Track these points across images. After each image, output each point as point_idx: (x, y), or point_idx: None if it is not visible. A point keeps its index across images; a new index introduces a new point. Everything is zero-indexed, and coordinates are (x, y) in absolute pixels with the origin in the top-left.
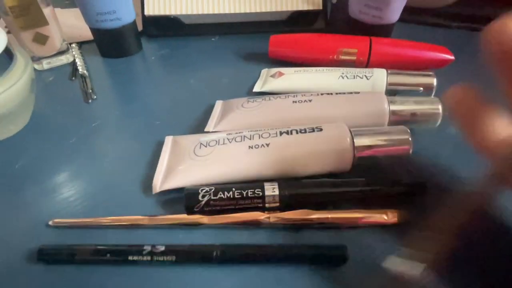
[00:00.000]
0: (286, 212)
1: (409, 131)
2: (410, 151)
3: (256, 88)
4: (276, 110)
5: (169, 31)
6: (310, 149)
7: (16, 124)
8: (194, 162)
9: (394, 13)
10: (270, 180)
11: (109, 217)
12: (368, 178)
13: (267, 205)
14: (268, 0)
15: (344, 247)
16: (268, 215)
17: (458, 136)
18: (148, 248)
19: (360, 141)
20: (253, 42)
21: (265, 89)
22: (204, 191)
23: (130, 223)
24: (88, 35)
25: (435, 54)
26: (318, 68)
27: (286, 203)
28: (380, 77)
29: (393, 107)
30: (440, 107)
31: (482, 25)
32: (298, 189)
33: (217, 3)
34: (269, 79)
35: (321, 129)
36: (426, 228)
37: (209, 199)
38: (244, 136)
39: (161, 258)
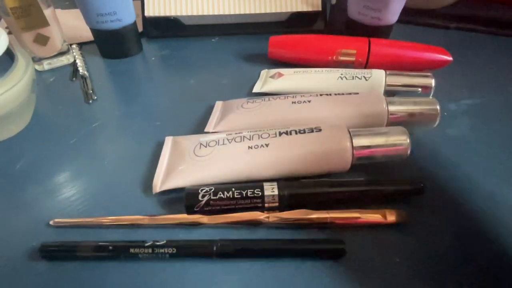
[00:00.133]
0: (285, 212)
1: (407, 131)
2: (408, 152)
3: (256, 89)
4: (276, 111)
5: (169, 32)
6: (309, 149)
7: (17, 125)
8: (194, 162)
9: (393, 14)
10: (270, 180)
11: (109, 217)
12: (366, 178)
13: (266, 205)
14: (268, 1)
15: (341, 241)
16: (267, 215)
17: (457, 136)
18: (149, 242)
19: (359, 142)
20: (252, 43)
21: (265, 89)
22: (204, 191)
23: (130, 222)
24: (88, 36)
25: (434, 55)
26: (317, 69)
27: (285, 203)
28: (378, 78)
29: (392, 108)
30: (438, 107)
31: (480, 25)
32: (297, 189)
33: (217, 4)
34: (269, 80)
35: (320, 130)
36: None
37: (209, 199)
38: (244, 136)
39: (162, 250)
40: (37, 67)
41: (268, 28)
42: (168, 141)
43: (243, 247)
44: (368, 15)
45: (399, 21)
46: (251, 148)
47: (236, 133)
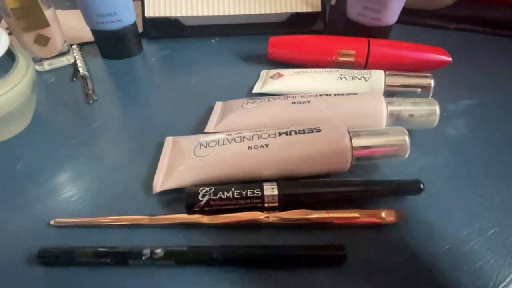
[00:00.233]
0: (285, 212)
1: (406, 131)
2: (408, 152)
3: (256, 89)
4: (276, 111)
5: (169, 32)
6: (309, 149)
7: (18, 125)
8: (194, 162)
9: (392, 15)
10: (269, 180)
11: (110, 217)
12: (366, 178)
13: (266, 205)
14: (268, 2)
15: (341, 247)
16: (267, 215)
17: (456, 137)
18: (147, 252)
19: (358, 142)
20: (252, 43)
21: (265, 90)
22: (204, 191)
23: (130, 222)
24: (89, 36)
25: (433, 56)
26: (317, 70)
27: (285, 203)
28: (378, 78)
29: (391, 108)
30: (437, 108)
31: (479, 26)
32: (297, 189)
33: (217, 4)
34: (269, 80)
35: (319, 130)
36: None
37: (209, 199)
38: (244, 136)
39: (160, 263)
40: (38, 67)
41: (268, 29)
42: (168, 141)
43: (242, 255)
44: (367, 15)
45: (399, 21)
46: (251, 148)
47: (236, 134)
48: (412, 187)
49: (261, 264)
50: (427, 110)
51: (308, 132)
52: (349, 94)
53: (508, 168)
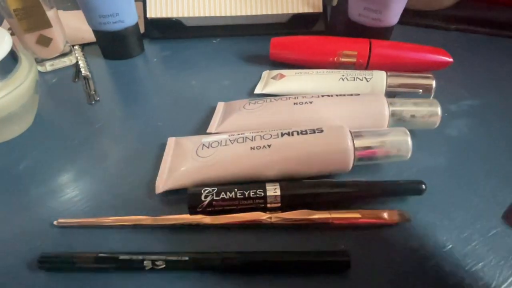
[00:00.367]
0: (287, 212)
1: (408, 132)
2: (410, 152)
3: (258, 90)
4: (278, 112)
5: (171, 33)
6: (311, 150)
7: (20, 125)
8: (197, 163)
9: (393, 15)
10: (272, 180)
11: (112, 217)
12: (368, 179)
13: (268, 205)
14: (269, 2)
15: (346, 253)
16: (269, 215)
17: (457, 137)
18: (148, 264)
19: (360, 142)
20: (254, 44)
21: (266, 91)
22: (206, 191)
23: (133, 223)
24: (90, 37)
25: (434, 56)
26: (318, 70)
27: (287, 204)
28: (379, 79)
29: (393, 109)
30: (439, 108)
31: (480, 27)
32: (299, 190)
33: (219, 5)
34: (270, 81)
35: (322, 131)
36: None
37: (212, 200)
38: (246, 137)
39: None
40: (40, 68)
41: (269, 30)
42: (171, 141)
43: (244, 261)
44: (368, 16)
45: (400, 22)
46: (254, 149)
47: (238, 134)
48: (414, 188)
49: (264, 271)
50: (429, 111)
51: (310, 133)
52: (351, 94)
53: (510, 168)
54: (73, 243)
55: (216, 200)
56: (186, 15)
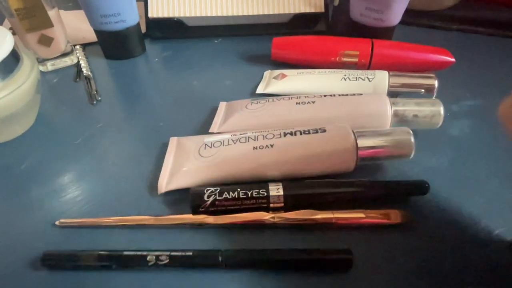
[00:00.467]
0: (290, 212)
1: (411, 132)
2: (413, 152)
3: (259, 90)
4: (280, 111)
5: (172, 33)
6: (314, 150)
7: (22, 125)
8: (199, 162)
9: (395, 15)
10: (275, 180)
11: (115, 217)
12: (370, 179)
13: (271, 205)
14: (271, 2)
15: (349, 251)
16: (272, 215)
17: (460, 137)
18: (152, 259)
19: (363, 142)
20: (255, 44)
21: (268, 90)
22: (209, 191)
23: (136, 223)
24: (92, 37)
25: (436, 56)
26: (320, 70)
27: (290, 203)
28: (382, 79)
29: (395, 108)
30: (441, 108)
31: (481, 27)
32: (302, 190)
33: (220, 5)
34: (272, 81)
35: (324, 130)
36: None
37: (215, 199)
38: (249, 137)
39: (165, 267)
40: (41, 68)
41: (271, 29)
42: (173, 141)
43: (248, 258)
44: (370, 16)
45: (401, 22)
46: (256, 148)
47: (241, 134)
48: (417, 188)
49: (267, 268)
50: (432, 111)
51: (313, 133)
52: (353, 94)
53: (510, 169)
54: (75, 244)
55: (219, 200)
56: (187, 15)
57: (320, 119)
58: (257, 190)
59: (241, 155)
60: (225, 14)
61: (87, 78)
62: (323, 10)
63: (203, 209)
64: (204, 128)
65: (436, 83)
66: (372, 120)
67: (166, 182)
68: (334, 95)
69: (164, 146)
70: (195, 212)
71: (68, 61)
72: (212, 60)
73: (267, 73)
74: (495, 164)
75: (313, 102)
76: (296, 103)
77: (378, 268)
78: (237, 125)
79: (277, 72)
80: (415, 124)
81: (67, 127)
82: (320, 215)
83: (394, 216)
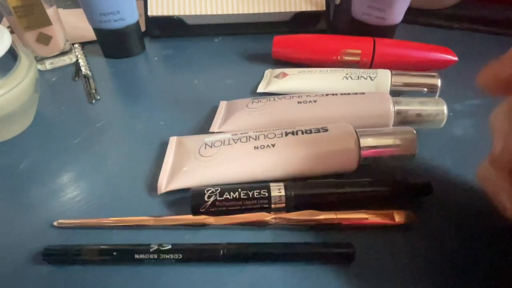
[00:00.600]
0: (292, 213)
1: (415, 131)
2: (416, 151)
3: (260, 89)
4: (281, 111)
5: (172, 31)
6: (316, 149)
7: (20, 124)
8: (199, 162)
9: (397, 14)
10: (276, 180)
11: (114, 218)
12: (373, 179)
13: (273, 205)
14: (271, 1)
15: (350, 245)
16: (274, 216)
17: (463, 137)
18: (154, 246)
19: (366, 142)
20: (256, 43)
21: (269, 89)
22: (210, 191)
23: (135, 223)
24: (91, 35)
25: (439, 55)
26: (322, 69)
27: (292, 204)
28: (384, 77)
29: (398, 108)
30: (445, 108)
31: (483, 26)
32: (304, 190)
33: (221, 4)
34: (273, 80)
35: (326, 130)
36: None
37: (215, 200)
38: (250, 136)
39: (167, 256)
40: (39, 66)
41: (272, 28)
42: (173, 141)
43: (250, 251)
44: (372, 15)
45: (403, 21)
46: (257, 148)
47: (241, 133)
48: (421, 188)
49: (269, 261)
50: (435, 110)
51: (315, 132)
52: (356, 93)
53: None
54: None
55: (219, 200)
56: (187, 13)
57: (322, 118)
58: (258, 191)
59: (242, 155)
60: (225, 13)
61: (86, 77)
62: (324, 9)
63: (203, 210)
64: (204, 128)
65: (439, 82)
66: (375, 119)
67: (166, 182)
68: (336, 94)
69: (164, 146)
70: (195, 212)
71: (67, 59)
72: (213, 59)
73: (268, 72)
74: None
75: (315, 101)
76: (298, 102)
77: (382, 269)
78: (238, 124)
79: (278, 71)
80: (418, 123)
81: (66, 127)
82: (323, 216)
83: (398, 216)
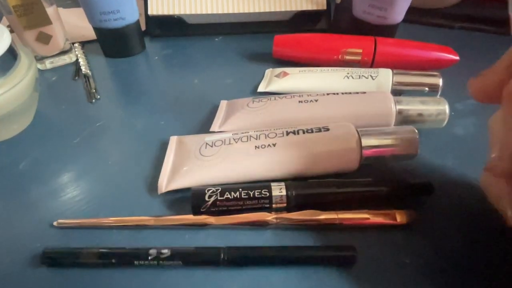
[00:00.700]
0: (293, 213)
1: (416, 131)
2: (417, 151)
3: (261, 88)
4: (282, 110)
5: (173, 31)
6: (317, 149)
7: (20, 124)
8: (200, 162)
9: (398, 13)
10: (277, 180)
11: (114, 218)
12: (375, 178)
13: (274, 205)
14: (272, 0)
15: (352, 247)
16: (275, 216)
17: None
18: (153, 252)
19: (367, 141)
20: (257, 42)
21: (270, 89)
22: (210, 191)
23: (135, 223)
24: (91, 34)
25: (440, 54)
26: (323, 68)
27: (293, 204)
28: (385, 77)
29: (400, 107)
30: (446, 107)
31: (484, 25)
32: (305, 190)
33: (221, 3)
34: (274, 79)
35: (328, 129)
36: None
37: (216, 200)
38: (250, 136)
39: (167, 263)
40: (39, 66)
41: (272, 27)
42: (173, 140)
43: (250, 255)
44: (373, 14)
45: (404, 20)
46: (258, 147)
47: (242, 133)
48: (422, 188)
49: (270, 265)
50: (436, 109)
51: (316, 131)
52: (357, 93)
53: None
54: (73, 245)
55: (220, 200)
56: (188, 12)
57: (323, 117)
58: (259, 190)
59: (243, 155)
60: (226, 12)
61: (86, 76)
62: (325, 8)
63: (204, 210)
64: (205, 127)
65: (440, 81)
66: (376, 118)
67: (166, 182)
68: (337, 94)
69: (165, 145)
70: (196, 212)
71: (67, 59)
72: (213, 58)
73: (268, 71)
74: None
75: (316, 101)
76: (299, 101)
77: (384, 269)
78: (239, 124)
79: (278, 70)
80: (419, 123)
81: (66, 126)
82: (324, 216)
83: (399, 216)
